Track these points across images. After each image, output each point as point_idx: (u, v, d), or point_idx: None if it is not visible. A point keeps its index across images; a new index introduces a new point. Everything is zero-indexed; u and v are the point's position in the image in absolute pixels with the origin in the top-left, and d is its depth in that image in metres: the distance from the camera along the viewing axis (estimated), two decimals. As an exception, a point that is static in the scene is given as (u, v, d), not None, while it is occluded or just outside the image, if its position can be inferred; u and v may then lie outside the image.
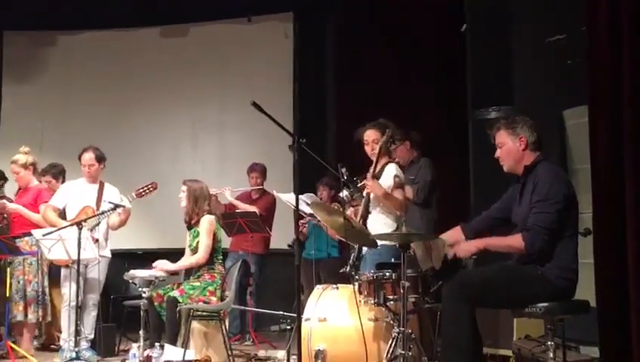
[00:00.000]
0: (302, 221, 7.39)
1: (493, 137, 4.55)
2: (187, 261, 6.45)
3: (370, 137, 5.59)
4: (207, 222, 6.37)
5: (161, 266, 6.35)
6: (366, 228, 5.36)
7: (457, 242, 4.51)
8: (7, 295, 6.76)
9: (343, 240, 5.32)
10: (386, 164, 5.59)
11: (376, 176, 5.50)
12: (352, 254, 5.20)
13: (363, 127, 5.66)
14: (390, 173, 5.53)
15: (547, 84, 6.49)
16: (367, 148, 5.61)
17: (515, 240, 4.25)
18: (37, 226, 6.80)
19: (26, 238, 6.83)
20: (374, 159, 5.53)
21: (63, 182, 7.57)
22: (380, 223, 5.48)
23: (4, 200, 7.30)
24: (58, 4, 9.85)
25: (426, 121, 8.04)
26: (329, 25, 9.74)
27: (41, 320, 7.03)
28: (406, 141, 6.84)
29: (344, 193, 5.56)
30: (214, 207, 6.68)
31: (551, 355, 4.26)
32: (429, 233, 5.20)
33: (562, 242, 4.22)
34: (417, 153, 6.98)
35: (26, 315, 6.87)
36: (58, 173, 7.77)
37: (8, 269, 6.79)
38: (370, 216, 5.54)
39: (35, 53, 10.81)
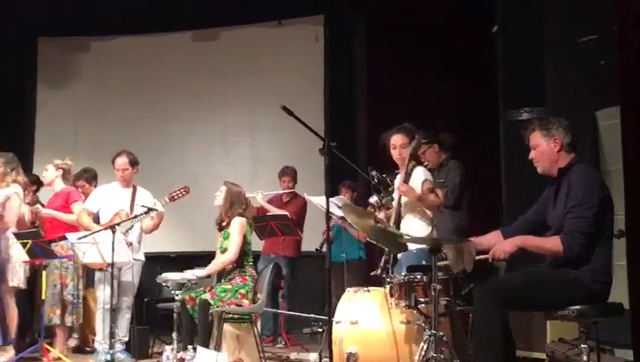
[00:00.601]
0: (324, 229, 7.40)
1: (527, 138, 4.51)
2: (218, 261, 6.48)
3: (398, 142, 5.56)
4: (237, 223, 6.41)
5: (193, 272, 6.39)
6: (399, 229, 5.35)
7: (494, 245, 4.46)
8: (43, 298, 6.84)
9: (372, 242, 5.32)
10: (414, 167, 5.55)
11: (405, 181, 5.48)
12: (383, 257, 5.20)
13: (388, 131, 5.64)
14: (418, 177, 5.50)
15: (580, 84, 6.43)
16: (394, 153, 5.58)
17: (553, 243, 4.21)
18: (73, 228, 6.88)
19: (62, 242, 6.91)
20: (400, 163, 5.52)
21: (96, 186, 7.65)
22: (413, 227, 5.46)
23: (38, 205, 7.40)
24: (91, 11, 9.97)
25: (457, 123, 8.01)
26: (360, 27, 9.72)
27: (76, 323, 7.11)
28: (434, 144, 6.79)
29: (374, 198, 5.55)
30: (248, 211, 6.71)
31: (585, 358, 4.22)
32: (460, 236, 5.17)
33: (598, 245, 4.18)
34: (446, 155, 6.92)
35: (62, 319, 6.96)
36: (91, 178, 7.87)
37: (44, 273, 6.87)
38: (403, 220, 5.53)
39: (69, 59, 10.96)
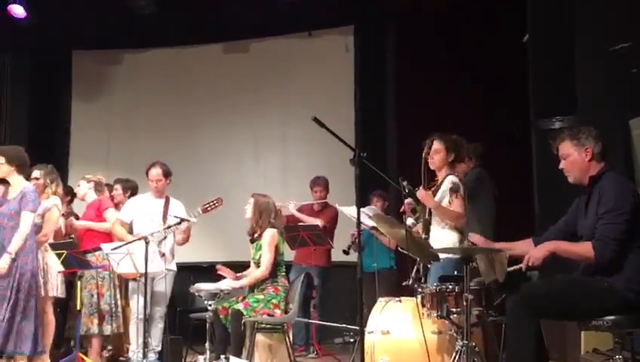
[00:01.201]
0: (352, 232, 7.43)
1: (555, 148, 4.48)
2: (251, 277, 6.51)
3: (434, 147, 5.55)
4: (269, 236, 6.45)
5: (226, 283, 6.43)
6: (428, 239, 5.35)
7: (526, 252, 4.44)
8: (78, 308, 6.91)
9: (403, 251, 5.32)
10: (446, 176, 5.53)
11: (435, 191, 5.47)
12: (415, 266, 5.19)
13: (429, 138, 5.62)
14: (445, 185, 5.49)
15: (611, 93, 6.38)
16: (433, 157, 5.56)
17: (585, 249, 4.18)
18: (108, 238, 6.97)
19: (97, 253, 6.99)
20: (428, 168, 5.50)
21: (130, 197, 7.72)
22: (443, 236, 5.45)
23: (72, 218, 7.49)
24: (124, 24, 10.11)
25: (487, 132, 7.98)
26: (390, 38, 9.74)
27: (116, 331, 7.17)
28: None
29: (410, 220, 5.54)
30: (278, 220, 6.74)
31: (619, 369, 4.19)
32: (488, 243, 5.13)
33: (631, 253, 4.15)
34: (474, 164, 6.86)
35: (99, 328, 7.02)
36: (129, 188, 7.91)
37: (79, 283, 6.95)
38: (432, 229, 5.52)
39: (102, 71, 11.13)
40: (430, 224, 5.49)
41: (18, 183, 6.34)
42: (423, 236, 5.44)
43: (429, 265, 5.30)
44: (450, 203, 5.38)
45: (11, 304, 6.03)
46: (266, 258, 6.39)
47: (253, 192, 6.77)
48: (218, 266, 6.71)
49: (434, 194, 5.45)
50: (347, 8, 9.75)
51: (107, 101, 11.03)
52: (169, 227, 6.63)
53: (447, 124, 6.41)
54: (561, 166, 4.45)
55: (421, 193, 5.40)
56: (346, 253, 7.82)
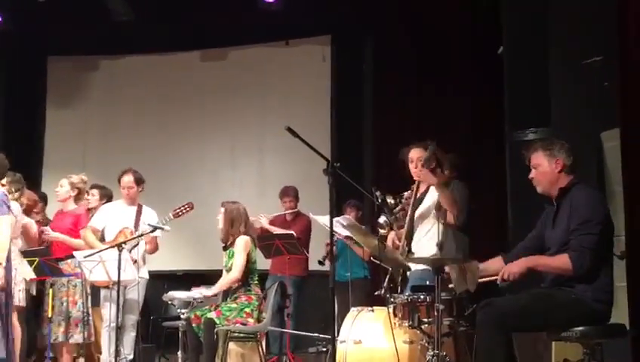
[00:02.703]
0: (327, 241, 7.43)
1: (528, 159, 4.54)
2: (223, 281, 6.50)
3: (416, 155, 5.54)
4: (242, 242, 6.45)
5: (199, 291, 6.42)
6: (410, 248, 5.33)
7: (499, 270, 4.46)
8: (50, 316, 6.86)
9: (376, 261, 5.33)
10: (429, 186, 5.52)
11: (420, 199, 5.46)
12: (387, 276, 5.20)
13: (408, 146, 5.62)
14: (434, 195, 5.47)
15: (584, 105, 6.44)
16: (411, 166, 5.55)
17: (562, 261, 4.22)
18: (78, 250, 6.91)
19: (69, 260, 6.95)
20: (417, 179, 5.50)
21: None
22: (423, 245, 5.44)
23: (48, 228, 7.40)
24: (101, 30, 10.06)
25: (463, 143, 8.03)
26: (366, 48, 9.77)
27: (87, 340, 7.11)
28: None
29: (382, 219, 5.53)
30: (250, 227, 6.74)
31: (589, 380, 4.22)
32: (465, 256, 5.15)
33: (600, 264, 4.20)
34: (452, 175, 6.87)
35: (67, 336, 6.96)
36: (104, 195, 7.83)
37: (50, 291, 6.89)
38: (415, 236, 5.50)
39: (78, 78, 11.07)
40: (413, 232, 5.48)
41: None
42: (405, 244, 5.41)
43: (407, 274, 5.31)
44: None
45: None
46: (238, 262, 6.37)
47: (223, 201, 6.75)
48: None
49: (416, 205, 5.43)
50: (324, 18, 9.78)
51: (83, 108, 10.96)
52: (141, 235, 6.60)
53: (424, 135, 6.44)
54: (530, 175, 4.50)
55: (421, 171, 5.31)
56: (321, 263, 7.83)
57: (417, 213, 5.47)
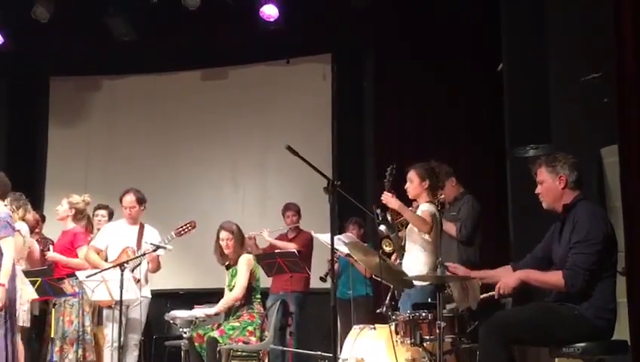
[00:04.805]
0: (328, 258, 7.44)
1: (534, 173, 4.56)
2: (226, 299, 6.51)
3: (410, 177, 5.64)
4: (245, 260, 6.48)
5: (202, 310, 6.42)
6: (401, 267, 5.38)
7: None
8: (52, 336, 6.86)
9: (378, 279, 5.36)
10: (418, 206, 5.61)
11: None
12: (389, 294, 5.21)
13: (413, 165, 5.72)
14: (420, 209, 5.56)
15: (584, 121, 6.46)
16: (408, 186, 5.65)
17: (555, 278, 4.24)
18: (78, 269, 6.92)
19: (69, 278, 6.95)
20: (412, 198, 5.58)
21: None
22: (418, 263, 5.48)
23: (49, 246, 7.41)
24: (102, 50, 10.11)
25: (464, 160, 8.05)
26: (367, 66, 9.81)
27: (82, 360, 7.10)
28: (452, 178, 6.81)
29: (382, 227, 5.58)
30: (252, 250, 6.77)
31: (591, 397, 4.22)
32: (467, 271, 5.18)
33: (601, 282, 4.21)
34: (463, 190, 6.91)
35: (62, 356, 6.94)
36: (110, 214, 7.91)
37: (53, 311, 6.90)
38: (407, 255, 5.55)
39: (80, 98, 11.11)
40: (404, 250, 5.53)
41: None
42: (398, 262, 5.46)
43: (402, 292, 5.32)
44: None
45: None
46: (241, 280, 6.39)
47: (221, 223, 6.76)
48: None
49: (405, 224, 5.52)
50: (325, 36, 9.83)
51: (85, 127, 11.00)
52: (144, 254, 6.61)
53: (425, 152, 6.49)
54: (537, 191, 4.52)
55: (386, 196, 5.44)
56: (323, 280, 7.82)
57: (407, 229, 5.56)
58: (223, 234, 6.59)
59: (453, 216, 6.63)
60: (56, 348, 6.94)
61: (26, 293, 6.80)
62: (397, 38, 9.23)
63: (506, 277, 4.40)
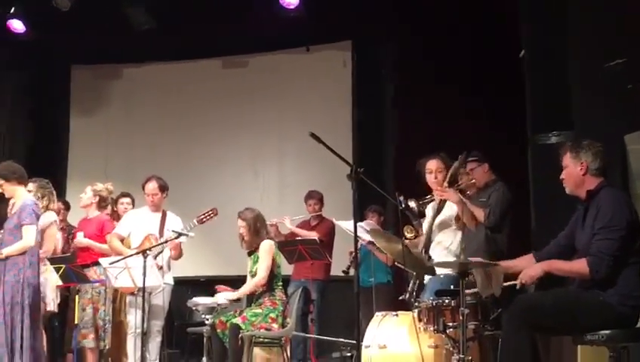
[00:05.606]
0: (350, 250, 7.45)
1: (561, 158, 4.56)
2: (248, 285, 6.54)
3: (434, 166, 5.56)
4: (267, 245, 6.51)
5: (224, 296, 6.45)
6: (429, 256, 5.36)
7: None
8: (76, 322, 6.92)
9: (400, 266, 5.35)
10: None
11: (439, 209, 5.48)
12: (411, 281, 5.21)
13: (425, 157, 5.66)
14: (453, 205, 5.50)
15: (607, 108, 6.41)
16: (430, 177, 5.57)
17: (580, 266, 4.24)
18: (105, 256, 6.97)
19: (94, 267, 7.01)
20: (435, 188, 5.52)
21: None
22: (443, 251, 5.46)
23: (80, 234, 7.47)
24: (122, 38, 10.14)
25: (484, 146, 8.01)
26: (387, 53, 9.78)
27: (108, 347, 7.16)
28: (485, 163, 6.77)
29: (412, 203, 5.54)
30: (275, 236, 6.79)
31: (615, 384, 4.20)
32: (496, 259, 5.17)
33: (626, 268, 4.20)
34: (495, 177, 6.86)
35: (95, 342, 7.01)
36: (132, 201, 7.97)
37: (76, 297, 6.96)
38: (432, 244, 5.53)
39: (101, 86, 11.16)
40: (430, 240, 5.50)
41: (20, 197, 6.37)
42: (423, 251, 5.44)
43: (424, 281, 5.32)
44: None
45: (21, 318, 6.06)
46: (264, 265, 6.42)
47: (239, 211, 6.78)
48: (218, 286, 6.74)
49: (436, 213, 5.47)
50: (345, 24, 9.80)
51: (106, 115, 11.06)
52: (166, 241, 6.64)
53: (445, 139, 6.46)
54: (561, 176, 4.51)
55: (446, 191, 5.38)
56: (345, 273, 7.83)
57: (437, 221, 5.50)
58: (239, 222, 6.65)
59: (483, 202, 6.57)
60: (91, 335, 7.00)
61: (52, 280, 6.87)
62: (417, 24, 9.17)
63: (529, 269, 4.40)
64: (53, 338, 7.26)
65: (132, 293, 6.73)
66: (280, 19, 9.38)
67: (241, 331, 6.12)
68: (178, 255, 6.96)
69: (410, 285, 5.17)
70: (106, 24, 9.79)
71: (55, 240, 7.05)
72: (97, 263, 6.83)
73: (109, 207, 7.66)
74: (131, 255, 6.46)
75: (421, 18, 9.11)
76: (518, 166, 7.66)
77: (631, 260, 4.21)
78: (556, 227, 4.72)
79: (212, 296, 6.60)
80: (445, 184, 5.40)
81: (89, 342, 6.99)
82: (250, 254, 6.61)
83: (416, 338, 4.74)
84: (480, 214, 5.94)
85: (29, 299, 6.12)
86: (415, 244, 5.65)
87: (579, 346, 5.45)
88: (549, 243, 4.72)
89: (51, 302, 6.94)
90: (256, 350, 6.21)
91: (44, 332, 6.80)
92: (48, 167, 9.33)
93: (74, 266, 6.77)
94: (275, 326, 6.29)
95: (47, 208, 6.96)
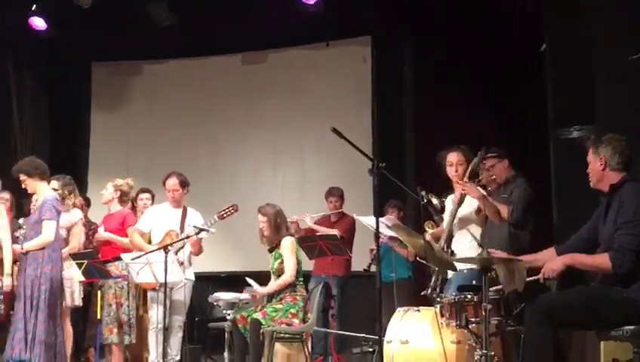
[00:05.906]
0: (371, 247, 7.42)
1: (586, 153, 4.55)
2: (277, 282, 6.54)
3: (454, 159, 5.56)
4: (288, 242, 6.51)
5: (254, 290, 6.46)
6: (451, 250, 5.35)
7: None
8: (99, 317, 6.96)
9: (422, 261, 5.33)
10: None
11: (460, 201, 5.47)
12: (433, 276, 5.20)
13: (445, 150, 5.65)
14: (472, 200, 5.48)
15: (630, 101, 6.37)
16: (450, 170, 5.57)
17: (602, 260, 4.21)
18: (127, 250, 7.01)
19: (117, 262, 7.04)
20: (455, 181, 5.52)
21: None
22: (465, 245, 5.44)
23: (101, 228, 7.51)
24: (143, 35, 10.17)
25: (506, 140, 7.96)
26: (407, 48, 9.75)
27: (133, 341, 7.19)
28: (505, 159, 6.74)
29: (434, 199, 5.54)
30: (296, 232, 6.79)
31: (639, 380, 4.18)
32: (518, 255, 5.15)
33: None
34: (515, 173, 6.83)
35: (119, 337, 7.05)
36: (153, 197, 8.01)
37: (99, 292, 7.00)
38: (454, 238, 5.51)
39: (122, 82, 11.20)
40: (452, 234, 5.49)
41: (42, 193, 6.42)
42: (445, 246, 5.43)
43: (447, 277, 5.30)
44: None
45: (36, 312, 6.12)
46: (291, 263, 6.44)
47: (259, 206, 6.79)
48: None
49: (457, 207, 5.46)
50: (364, 19, 9.77)
51: (126, 112, 11.11)
52: (188, 237, 6.66)
53: (465, 135, 6.41)
54: (588, 170, 4.51)
55: (467, 185, 5.38)
56: (366, 271, 7.81)
57: (458, 215, 5.48)
58: (259, 217, 6.65)
59: (505, 199, 6.53)
60: (115, 330, 7.03)
61: (76, 276, 6.93)
62: (437, 20, 9.13)
63: (551, 262, 4.37)
64: (76, 333, 7.29)
65: (154, 289, 6.75)
66: (300, 14, 9.37)
67: (262, 326, 6.13)
68: (198, 251, 6.98)
69: (433, 280, 5.16)
70: (126, 21, 9.82)
71: (80, 237, 7.11)
72: (119, 258, 6.86)
73: (130, 203, 7.68)
74: (153, 250, 6.48)
75: (441, 13, 9.05)
76: (540, 161, 7.62)
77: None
78: (579, 222, 4.69)
79: (233, 291, 6.61)
80: (466, 179, 5.39)
81: (114, 337, 7.02)
82: (271, 251, 6.62)
83: (438, 334, 4.72)
84: (504, 210, 5.91)
85: (46, 293, 6.18)
86: (436, 236, 5.63)
87: (602, 342, 5.45)
88: (571, 237, 4.71)
89: (75, 297, 6.98)
90: (278, 345, 6.22)
91: (70, 328, 6.86)
92: (69, 164, 9.40)
93: (96, 262, 6.81)
94: (295, 321, 6.29)
95: (73, 205, 7.01)
